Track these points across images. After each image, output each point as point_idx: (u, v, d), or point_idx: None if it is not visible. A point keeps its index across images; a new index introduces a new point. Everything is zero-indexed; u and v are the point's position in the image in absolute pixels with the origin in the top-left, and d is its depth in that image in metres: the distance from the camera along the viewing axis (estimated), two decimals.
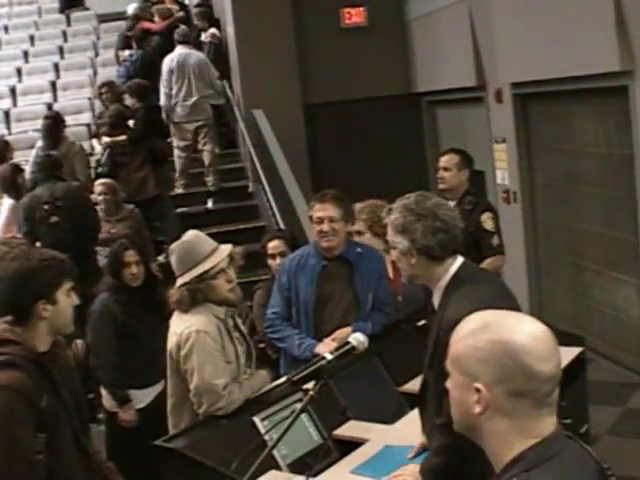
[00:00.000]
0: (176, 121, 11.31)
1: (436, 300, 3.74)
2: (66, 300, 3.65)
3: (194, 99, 11.26)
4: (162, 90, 11.36)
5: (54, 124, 10.14)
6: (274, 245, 6.25)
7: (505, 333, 2.05)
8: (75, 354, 6.01)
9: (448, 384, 2.14)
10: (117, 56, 14.16)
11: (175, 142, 11.46)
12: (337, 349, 3.52)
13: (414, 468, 3.76)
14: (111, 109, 10.69)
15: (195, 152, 11.47)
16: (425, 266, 3.69)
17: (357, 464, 4.18)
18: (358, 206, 5.92)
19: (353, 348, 3.55)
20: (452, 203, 6.68)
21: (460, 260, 3.73)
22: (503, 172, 9.93)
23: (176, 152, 11.47)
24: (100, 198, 8.73)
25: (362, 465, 4.17)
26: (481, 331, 2.07)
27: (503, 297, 3.71)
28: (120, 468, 4.14)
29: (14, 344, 3.53)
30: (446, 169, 6.76)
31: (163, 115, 11.29)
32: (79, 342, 6.24)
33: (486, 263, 6.51)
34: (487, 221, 6.66)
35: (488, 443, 2.08)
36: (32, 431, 3.48)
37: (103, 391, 6.09)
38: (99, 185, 8.92)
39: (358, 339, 3.58)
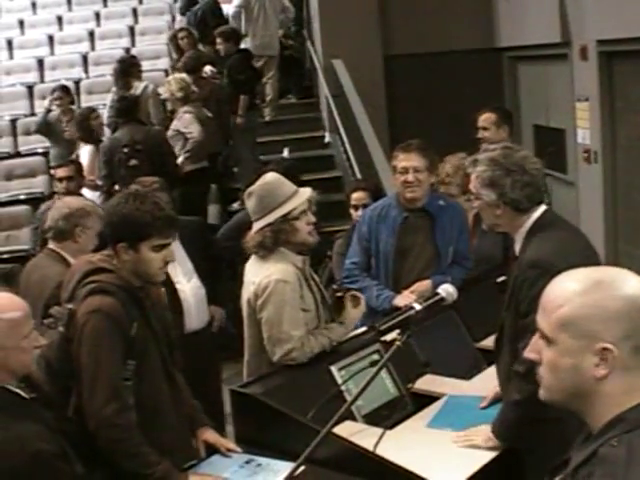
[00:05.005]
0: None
1: (517, 246, 3.79)
2: (150, 254, 3.72)
3: (270, 35, 11.72)
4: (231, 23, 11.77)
5: (122, 69, 10.19)
6: (357, 196, 6.20)
7: (624, 287, 2.00)
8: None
9: (550, 354, 2.06)
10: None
11: None
12: (426, 300, 3.49)
13: (486, 429, 3.76)
14: (186, 54, 10.68)
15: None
16: (510, 217, 3.75)
17: (431, 418, 4.15)
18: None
19: (442, 299, 3.52)
20: None
21: (543, 207, 3.78)
22: (584, 131, 9.72)
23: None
24: None
25: (436, 418, 4.14)
26: (597, 289, 2.00)
27: (581, 242, 3.83)
28: None
29: (108, 272, 3.68)
30: (485, 128, 6.84)
31: None
32: (219, 311, 6.25)
33: None
34: None
35: (597, 406, 2.02)
36: (120, 356, 3.58)
37: None
38: None
39: (447, 290, 3.55)
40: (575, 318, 2.00)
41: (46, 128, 10.11)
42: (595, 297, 1.99)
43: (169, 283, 5.58)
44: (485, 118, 6.84)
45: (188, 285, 5.77)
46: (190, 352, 5.51)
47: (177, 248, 5.75)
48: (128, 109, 8.69)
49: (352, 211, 6.19)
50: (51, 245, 5.14)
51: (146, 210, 3.69)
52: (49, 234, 5.12)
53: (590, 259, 3.64)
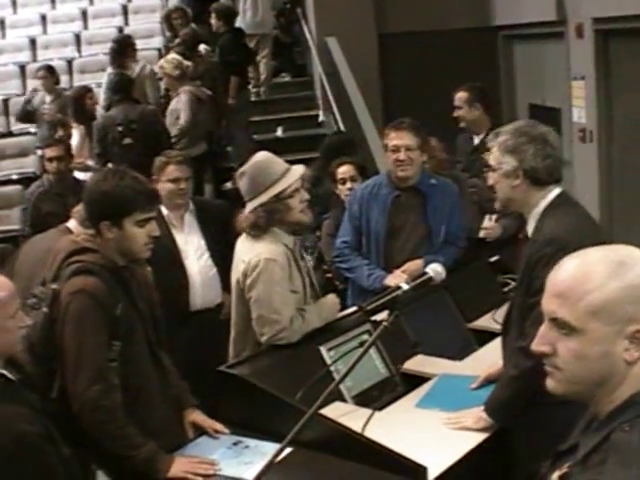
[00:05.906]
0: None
1: (530, 226, 3.72)
2: (134, 229, 3.68)
3: (261, 13, 11.66)
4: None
5: (119, 48, 10.08)
6: (344, 170, 6.15)
7: None
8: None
9: (574, 344, 1.94)
10: None
11: None
12: (414, 279, 3.45)
13: (477, 411, 3.73)
14: (184, 31, 10.59)
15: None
16: (526, 190, 3.69)
17: (421, 397, 4.12)
18: None
19: (430, 279, 3.49)
20: (477, 139, 6.67)
21: (558, 189, 3.71)
22: (580, 110, 9.67)
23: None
24: None
25: (426, 398, 4.11)
26: (623, 270, 1.92)
27: (594, 226, 3.81)
28: None
29: (92, 252, 3.65)
30: (458, 107, 6.81)
31: None
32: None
33: None
34: None
35: (617, 390, 1.94)
36: (105, 337, 3.55)
37: None
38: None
39: (436, 270, 3.52)
40: (608, 303, 1.90)
41: (26, 117, 10.08)
42: (624, 278, 1.90)
43: (177, 258, 5.57)
44: (459, 97, 6.82)
45: (197, 262, 5.69)
46: (192, 330, 5.50)
47: (192, 225, 5.72)
48: (123, 86, 8.69)
49: (340, 186, 6.14)
50: (71, 224, 5.09)
51: (126, 185, 3.65)
52: (76, 215, 5.07)
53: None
